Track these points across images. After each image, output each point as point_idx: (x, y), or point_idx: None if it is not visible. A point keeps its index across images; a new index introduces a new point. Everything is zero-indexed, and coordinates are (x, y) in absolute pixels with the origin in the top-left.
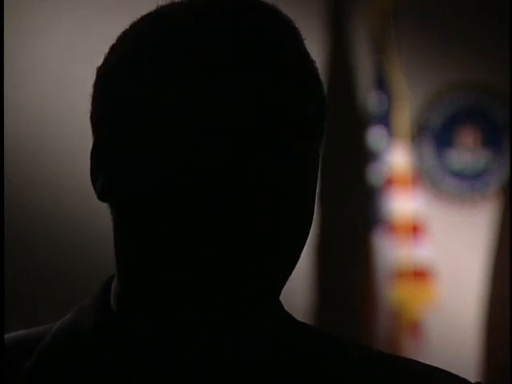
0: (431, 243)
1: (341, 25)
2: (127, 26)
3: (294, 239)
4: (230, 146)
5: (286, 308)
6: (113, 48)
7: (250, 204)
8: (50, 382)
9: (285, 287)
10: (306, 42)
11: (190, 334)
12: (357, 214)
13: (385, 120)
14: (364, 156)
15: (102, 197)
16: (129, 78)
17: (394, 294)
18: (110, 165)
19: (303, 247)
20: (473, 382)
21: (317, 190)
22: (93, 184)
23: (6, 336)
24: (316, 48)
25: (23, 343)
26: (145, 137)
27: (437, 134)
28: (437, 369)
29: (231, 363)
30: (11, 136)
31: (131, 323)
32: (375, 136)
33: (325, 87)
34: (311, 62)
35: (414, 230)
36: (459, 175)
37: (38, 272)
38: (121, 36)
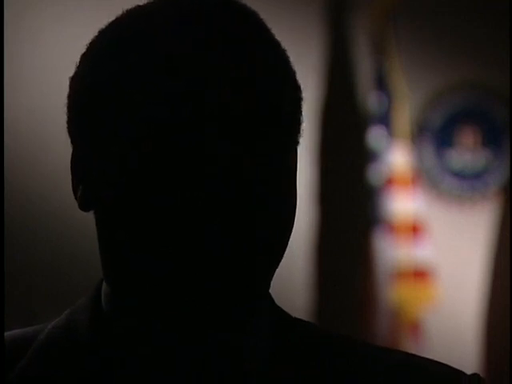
0: (431, 243)
1: (341, 25)
2: (96, 33)
3: (277, 232)
4: (204, 144)
5: (285, 308)
6: (83, 56)
7: (231, 198)
8: (44, 380)
9: (285, 287)
10: (305, 42)
11: (185, 333)
12: (357, 213)
13: (385, 120)
14: (364, 156)
15: (82, 207)
16: (101, 86)
17: (394, 294)
18: (87, 175)
19: (288, 239)
20: None
21: (318, 191)
22: (74, 194)
23: (4, 334)
24: (316, 48)
25: (19, 342)
26: (118, 145)
27: (437, 134)
28: (434, 361)
29: (230, 363)
30: (11, 136)
31: (122, 322)
32: (375, 136)
33: (325, 87)
34: (281, 52)
35: (414, 229)
36: (459, 175)
37: (37, 272)
38: (91, 44)
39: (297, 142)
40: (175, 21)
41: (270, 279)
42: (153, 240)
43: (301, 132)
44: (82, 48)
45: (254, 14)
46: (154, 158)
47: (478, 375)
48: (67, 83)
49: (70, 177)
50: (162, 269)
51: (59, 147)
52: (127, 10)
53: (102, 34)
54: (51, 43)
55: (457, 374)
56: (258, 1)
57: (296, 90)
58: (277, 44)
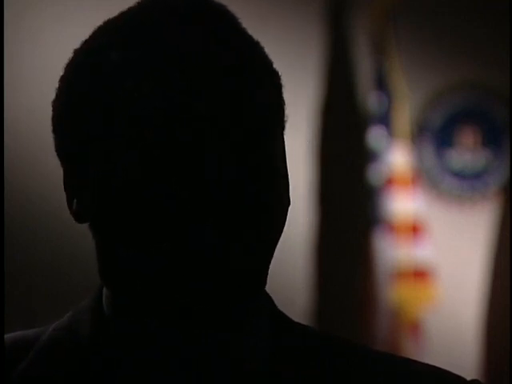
0: (431, 243)
1: (341, 25)
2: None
3: (269, 231)
4: (191, 146)
5: (285, 308)
6: (62, 79)
7: (223, 199)
8: (45, 381)
9: (285, 287)
10: (305, 42)
11: (184, 333)
12: (357, 213)
13: (385, 120)
14: (364, 156)
15: (77, 219)
16: (82, 103)
17: (394, 293)
18: (80, 190)
19: (280, 234)
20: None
21: (318, 191)
22: (69, 209)
23: (4, 336)
24: (316, 48)
25: (20, 344)
26: (106, 160)
27: (437, 134)
28: (434, 367)
29: (230, 363)
30: (11, 136)
31: (121, 323)
32: (375, 136)
33: (325, 87)
34: (258, 48)
35: (414, 229)
36: (459, 175)
37: (37, 272)
38: (67, 65)
39: (282, 128)
40: (163, 23)
41: (265, 277)
42: (145, 239)
43: (285, 117)
44: None
45: (223, 6)
46: (148, 159)
47: (479, 381)
48: None
49: None
50: (153, 267)
51: None
52: (108, 19)
53: (89, 45)
54: (51, 43)
55: (457, 379)
56: (259, 1)
57: (274, 87)
58: (249, 37)
